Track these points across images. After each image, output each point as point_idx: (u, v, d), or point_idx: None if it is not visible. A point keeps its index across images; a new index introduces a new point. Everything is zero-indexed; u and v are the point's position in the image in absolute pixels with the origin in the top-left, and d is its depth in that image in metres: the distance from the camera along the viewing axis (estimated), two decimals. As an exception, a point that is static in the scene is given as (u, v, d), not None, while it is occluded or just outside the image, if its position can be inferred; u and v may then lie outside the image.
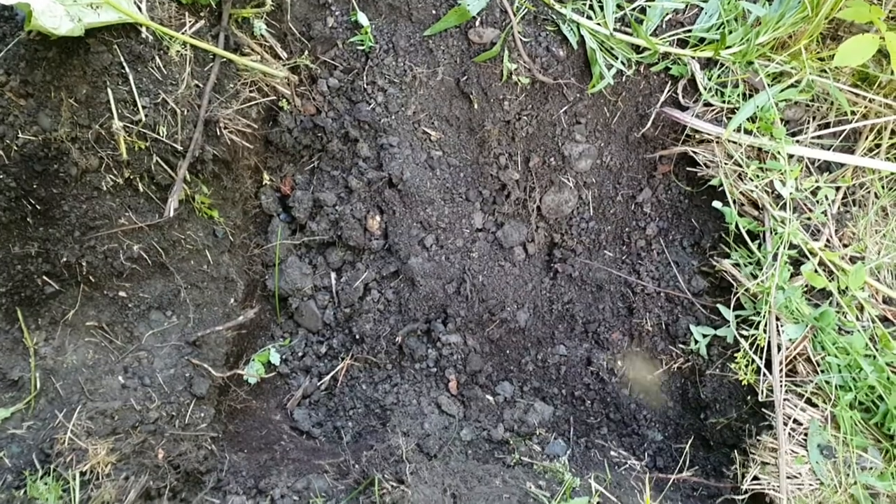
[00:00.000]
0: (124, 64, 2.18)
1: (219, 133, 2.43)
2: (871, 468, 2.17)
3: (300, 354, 2.90)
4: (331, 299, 2.87)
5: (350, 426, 2.78)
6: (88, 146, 2.21)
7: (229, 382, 2.68)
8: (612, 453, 2.68)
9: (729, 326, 2.49)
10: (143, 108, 2.22)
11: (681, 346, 2.69)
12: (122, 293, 2.43)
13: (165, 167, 2.34)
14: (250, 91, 2.52)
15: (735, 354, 2.43)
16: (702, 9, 2.48)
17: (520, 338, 2.86)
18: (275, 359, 2.83)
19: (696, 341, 2.60)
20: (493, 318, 2.80)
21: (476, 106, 2.65)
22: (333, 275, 2.87)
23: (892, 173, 2.40)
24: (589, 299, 2.88)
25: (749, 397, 2.44)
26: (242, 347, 2.81)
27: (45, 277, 2.32)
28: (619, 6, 2.47)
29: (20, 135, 2.10)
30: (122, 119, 2.20)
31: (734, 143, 2.41)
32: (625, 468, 2.60)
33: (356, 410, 2.82)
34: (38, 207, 2.22)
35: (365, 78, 2.67)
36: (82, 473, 2.13)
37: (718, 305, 2.53)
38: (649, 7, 2.48)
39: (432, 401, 2.73)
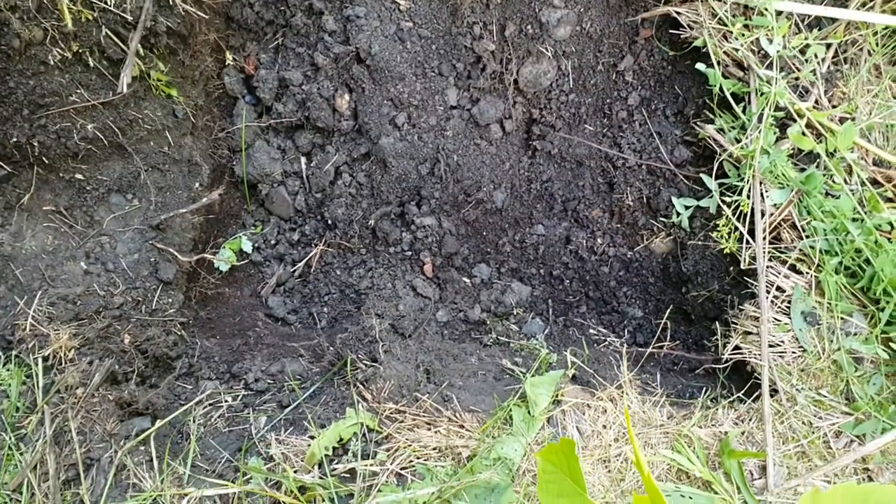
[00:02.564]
0: (62, -76, 2.01)
1: (172, 3, 2.27)
2: (855, 333, 2.11)
3: (273, 242, 2.81)
4: (301, 185, 2.76)
5: (325, 312, 2.73)
6: (30, 16, 2.06)
7: (199, 269, 2.61)
8: (592, 331, 2.64)
9: (712, 196, 2.39)
10: (86, -27, 2.06)
11: (662, 219, 2.60)
12: (78, 175, 2.32)
13: (116, 40, 2.20)
14: (202, -44, 2.35)
15: (718, 224, 2.35)
16: None
17: (497, 218, 2.77)
18: (247, 247, 2.75)
19: (678, 213, 2.51)
20: (469, 198, 2.70)
21: (447, -29, 2.49)
22: (303, 159, 2.76)
23: (886, 27, 2.26)
24: (568, 176, 2.77)
25: (732, 267, 2.37)
26: (212, 234, 2.72)
27: (-6, 159, 2.22)
28: None
29: (-49, 1, 1.95)
30: (64, -15, 2.05)
31: (719, 0, 2.26)
32: (604, 345, 2.55)
33: (331, 296, 2.76)
34: (-20, 83, 2.10)
35: (327, -56, 2.49)
36: (45, 359, 2.07)
37: (702, 175, 2.43)
38: None
39: (407, 284, 2.66)
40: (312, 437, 1.97)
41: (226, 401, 2.26)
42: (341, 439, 1.96)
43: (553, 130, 2.72)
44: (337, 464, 1.92)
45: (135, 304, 2.32)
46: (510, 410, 2.03)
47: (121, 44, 2.20)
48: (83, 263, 2.31)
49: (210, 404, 2.26)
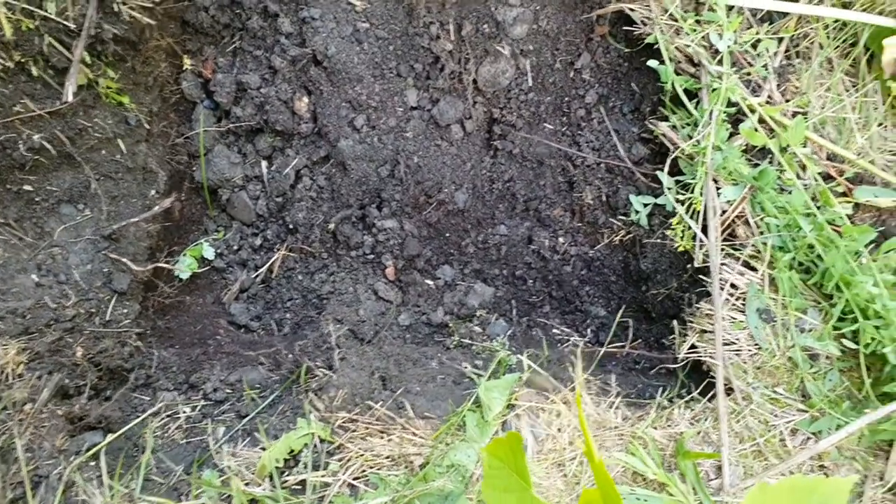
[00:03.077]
0: (-4, -69, 1.98)
1: (117, 9, 2.24)
2: (810, 330, 2.10)
3: (235, 248, 2.79)
4: (262, 189, 2.74)
5: (288, 318, 2.70)
6: (-34, 27, 2.03)
7: (156, 278, 2.58)
8: (555, 331, 2.62)
9: (669, 193, 2.38)
10: (24, -19, 2.03)
11: (621, 217, 2.59)
12: (27, 187, 2.29)
13: (61, 48, 2.17)
14: (148, -38, 2.32)
15: (673, 222, 2.33)
16: None
17: (459, 219, 2.75)
18: (208, 253, 2.72)
19: (637, 211, 2.50)
20: (431, 200, 2.68)
21: (400, -30, 2.46)
22: (264, 163, 2.73)
23: (836, 20, 2.24)
24: (530, 176, 2.75)
25: (688, 265, 2.35)
26: (171, 242, 2.70)
27: (-64, 172, 2.19)
28: None
29: None
30: (1, -6, 2.02)
31: (671, -5, 2.24)
32: (567, 345, 2.54)
33: (294, 302, 2.74)
34: (-83, 95, 2.07)
35: (279, -55, 2.46)
36: (-8, 374, 2.05)
37: (658, 172, 2.41)
38: None
39: (369, 287, 2.64)
40: (265, 449, 1.95)
41: (184, 412, 2.24)
42: (292, 450, 1.94)
43: (514, 130, 2.70)
44: (288, 476, 1.91)
45: (87, 315, 2.30)
46: (464, 416, 2.01)
47: (65, 52, 2.17)
48: (34, 276, 2.28)
49: (167, 416, 2.23)
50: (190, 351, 2.50)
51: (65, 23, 2.12)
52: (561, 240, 2.71)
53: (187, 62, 2.64)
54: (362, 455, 1.94)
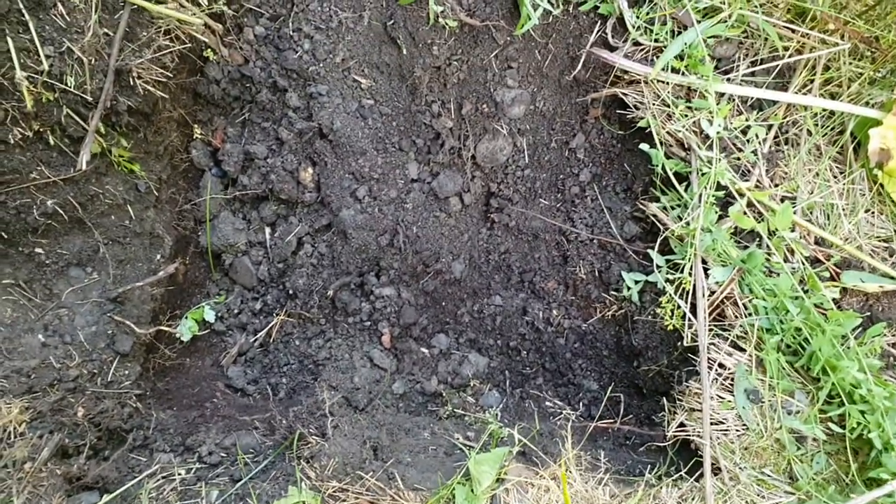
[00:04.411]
0: (23, 11, 2.09)
1: (132, 83, 2.34)
2: (797, 412, 2.13)
3: (236, 311, 2.85)
4: (265, 254, 2.81)
5: (284, 382, 2.74)
6: (-9, 98, 2.13)
7: (158, 340, 2.64)
8: (548, 403, 2.65)
9: (660, 271, 2.43)
10: (48, 57, 2.13)
11: (614, 293, 2.64)
12: (38, 250, 2.37)
13: (77, 119, 2.26)
14: (165, 39, 2.43)
15: (663, 301, 2.38)
16: (630, -57, 2.39)
17: (455, 289, 2.81)
18: (209, 316, 2.78)
19: (629, 288, 2.55)
20: (428, 269, 2.74)
21: (405, 51, 2.57)
22: (267, 229, 2.81)
23: (824, 110, 2.33)
24: (525, 249, 2.82)
25: (679, 343, 2.39)
26: (174, 305, 2.76)
27: (-47, 235, 2.27)
28: (544, -58, 2.38)
29: (-88, 86, 2.02)
30: (26, 69, 2.12)
31: (662, 82, 2.33)
32: (559, 418, 2.56)
33: (290, 367, 2.78)
34: (-59, 162, 2.16)
35: (291, 25, 2.58)
36: (-6, 433, 2.09)
37: (649, 251, 2.47)
38: (576, -58, 2.38)
39: (364, 354, 2.68)
40: (255, 516, 1.98)
41: (179, 474, 2.27)
42: (282, 518, 1.97)
43: (510, 204, 2.78)
44: (276, 543, 1.93)
45: (90, 376, 2.35)
46: (453, 489, 2.04)
47: (81, 122, 2.26)
48: (41, 336, 2.34)
49: (163, 477, 2.26)
50: (187, 413, 2.53)
51: (83, 95, 2.22)
52: (555, 312, 2.76)
53: (197, 131, 2.73)
54: (351, 526, 1.96)
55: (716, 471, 2.11)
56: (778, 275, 2.20)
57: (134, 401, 2.42)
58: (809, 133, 2.37)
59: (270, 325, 2.80)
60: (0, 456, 2.06)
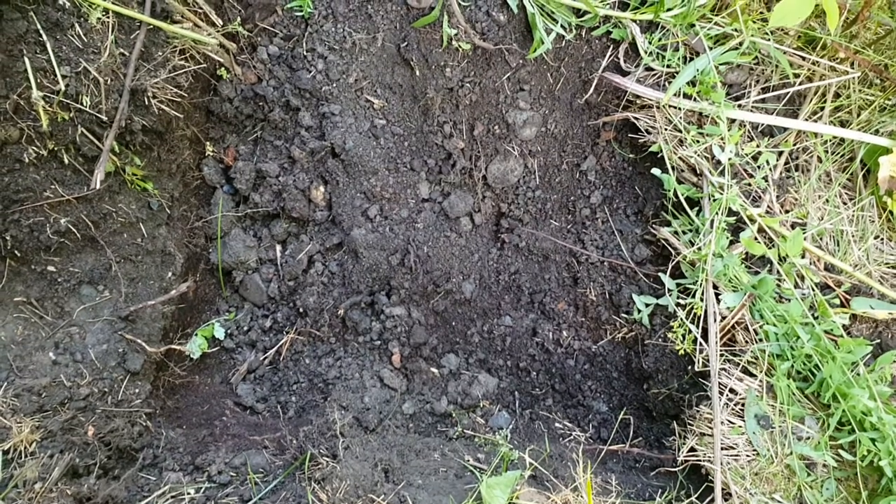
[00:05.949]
0: (41, 31, 2.10)
1: (147, 103, 2.35)
2: (807, 438, 2.14)
3: (245, 329, 2.85)
4: (275, 272, 2.82)
5: (293, 401, 2.75)
6: (7, 117, 2.13)
7: (168, 358, 2.64)
8: (557, 425, 2.65)
9: (671, 294, 2.44)
10: (64, 77, 2.15)
11: (624, 315, 2.65)
12: (50, 268, 2.38)
13: (92, 138, 2.27)
14: (181, 59, 2.44)
15: (674, 324, 2.39)
16: (643, -30, 2.41)
17: (465, 309, 2.82)
18: (219, 333, 2.79)
19: (639, 311, 2.56)
20: (438, 289, 2.75)
21: (418, 73, 2.59)
22: (278, 247, 2.82)
23: (834, 137, 2.35)
24: (535, 269, 2.83)
25: (689, 367, 2.40)
26: (185, 322, 2.76)
27: (-33, 253, 2.27)
28: (558, -33, 2.40)
29: (-70, 105, 2.03)
30: (42, 89, 2.13)
31: (674, 108, 2.35)
32: (569, 440, 2.57)
33: (300, 385, 2.78)
34: (-44, 180, 2.17)
35: (305, 45, 2.60)
36: (5, 452, 2.09)
37: (660, 274, 2.48)
38: (589, -32, 2.40)
39: (374, 374, 2.69)
40: (266, 538, 1.98)
41: (188, 493, 2.27)
42: (294, 541, 1.97)
43: (521, 224, 2.79)
44: (288, 566, 1.93)
45: (101, 394, 2.35)
46: (465, 512, 2.04)
47: (96, 141, 2.28)
48: (52, 354, 2.34)
49: (173, 497, 2.26)
50: (197, 432, 2.53)
51: (98, 115, 2.23)
52: (565, 333, 2.77)
53: (210, 149, 2.75)
54: (363, 549, 1.96)
55: (726, 496, 2.12)
56: (788, 301, 2.21)
57: (144, 419, 2.43)
58: (820, 160, 2.38)
59: (280, 343, 2.81)
60: (11, 476, 2.06)
